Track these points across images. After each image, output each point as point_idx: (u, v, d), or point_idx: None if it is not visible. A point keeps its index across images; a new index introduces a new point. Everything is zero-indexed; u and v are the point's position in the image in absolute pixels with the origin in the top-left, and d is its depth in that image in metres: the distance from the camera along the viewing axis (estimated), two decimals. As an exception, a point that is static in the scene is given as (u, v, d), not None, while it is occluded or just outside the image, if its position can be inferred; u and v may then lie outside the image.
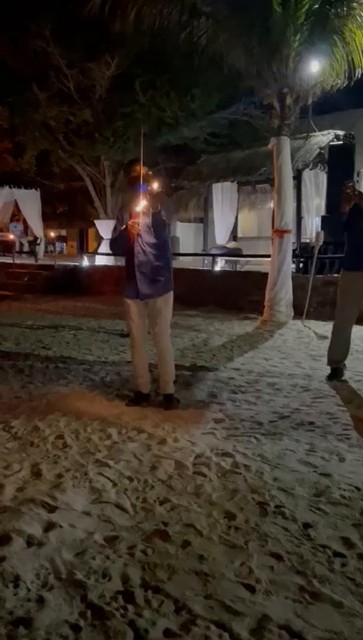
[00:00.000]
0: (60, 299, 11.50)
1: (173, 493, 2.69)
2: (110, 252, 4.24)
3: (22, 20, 13.84)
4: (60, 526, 2.37)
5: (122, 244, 3.94)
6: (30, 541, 2.25)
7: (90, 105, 15.03)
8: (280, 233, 8.51)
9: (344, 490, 2.73)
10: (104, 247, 16.63)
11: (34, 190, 18.45)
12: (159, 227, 3.87)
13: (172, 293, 4.04)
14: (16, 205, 18.96)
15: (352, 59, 8.02)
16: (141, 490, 2.72)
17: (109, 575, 2.02)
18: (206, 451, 3.21)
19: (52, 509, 2.52)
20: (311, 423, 3.74)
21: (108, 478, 2.84)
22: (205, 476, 2.89)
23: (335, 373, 4.94)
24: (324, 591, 1.95)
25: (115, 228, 4.06)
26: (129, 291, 3.99)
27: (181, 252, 14.73)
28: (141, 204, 3.70)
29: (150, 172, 3.87)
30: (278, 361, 5.74)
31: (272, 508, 2.54)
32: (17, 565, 2.08)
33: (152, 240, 3.86)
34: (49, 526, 2.37)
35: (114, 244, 4.09)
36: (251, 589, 1.96)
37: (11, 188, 17.93)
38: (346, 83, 8.40)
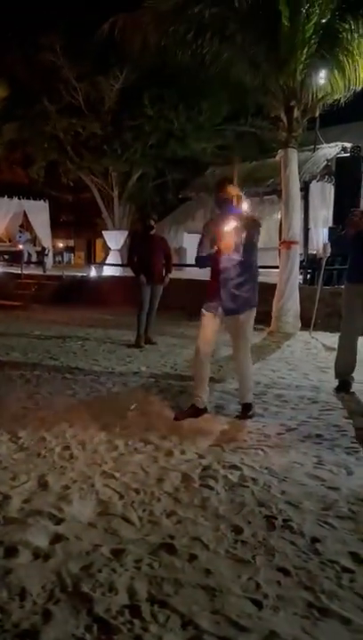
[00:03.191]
0: (67, 309, 11.55)
1: (179, 506, 2.67)
2: (196, 265, 4.32)
3: (33, 34, 14.08)
4: (67, 538, 2.36)
5: (208, 261, 4.07)
6: (37, 553, 2.24)
7: (98, 117, 15.21)
8: (288, 244, 8.52)
9: (353, 504, 2.71)
10: (112, 258, 16.73)
11: (42, 201, 18.63)
12: (248, 247, 3.93)
13: (254, 310, 4.09)
14: (25, 216, 19.12)
15: (360, 72, 8.07)
16: (148, 502, 2.71)
17: (116, 589, 2.01)
18: (213, 463, 3.20)
19: (58, 521, 2.51)
20: (319, 436, 3.72)
21: (115, 490, 2.83)
22: (211, 488, 2.87)
23: (343, 385, 4.91)
24: (332, 607, 1.93)
25: (201, 243, 4.14)
26: (210, 305, 4.04)
27: (189, 262, 14.76)
28: (232, 225, 3.82)
29: (241, 194, 4.02)
30: (285, 372, 5.72)
31: (280, 521, 2.52)
32: (23, 578, 2.07)
33: (240, 258, 3.93)
34: (55, 538, 2.36)
35: (201, 260, 4.17)
36: (258, 605, 1.94)
37: (20, 199, 18.11)
38: (353, 96, 8.44)
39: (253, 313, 4.08)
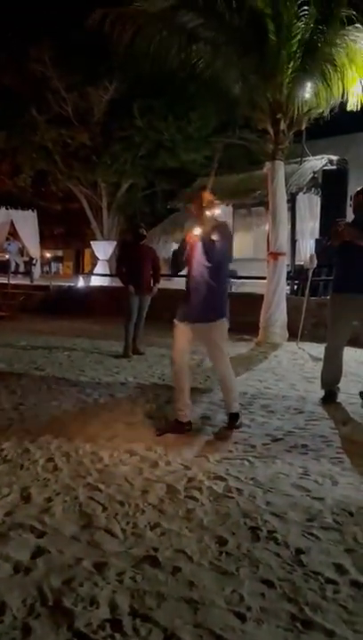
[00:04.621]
0: (54, 319, 11.49)
1: (163, 518, 2.65)
2: (171, 267, 4.28)
3: (23, 44, 14.14)
4: (49, 552, 2.33)
5: (180, 263, 4.01)
6: (17, 567, 2.21)
7: (88, 128, 15.27)
8: (275, 255, 8.58)
9: (337, 514, 2.70)
10: (100, 268, 16.71)
11: (30, 211, 18.59)
12: (218, 254, 3.89)
13: (225, 320, 4.00)
14: (12, 226, 19.07)
15: (344, 85, 8.19)
16: (132, 514, 2.68)
17: (97, 602, 1.99)
18: (199, 474, 3.18)
19: (40, 534, 2.48)
20: (305, 446, 3.72)
21: (99, 502, 2.81)
22: (196, 500, 2.85)
23: (329, 396, 4.93)
24: (316, 619, 1.92)
25: (180, 251, 4.08)
26: (181, 313, 4.01)
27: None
28: (199, 229, 3.83)
29: (213, 201, 4.00)
30: (272, 383, 5.73)
31: (264, 533, 2.51)
32: (3, 592, 2.04)
33: (208, 264, 3.89)
34: (37, 552, 2.33)
35: (173, 261, 4.13)
36: (242, 617, 1.92)
37: (7, 208, 18.06)
38: (338, 109, 8.56)
39: (224, 323, 4.01)
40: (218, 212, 4.09)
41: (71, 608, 1.95)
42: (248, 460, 3.42)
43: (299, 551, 2.36)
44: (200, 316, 3.94)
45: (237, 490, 2.98)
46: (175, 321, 4.04)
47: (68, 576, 2.15)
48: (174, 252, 4.10)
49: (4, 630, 1.83)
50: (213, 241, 3.86)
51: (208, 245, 3.88)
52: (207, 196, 3.98)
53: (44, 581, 2.11)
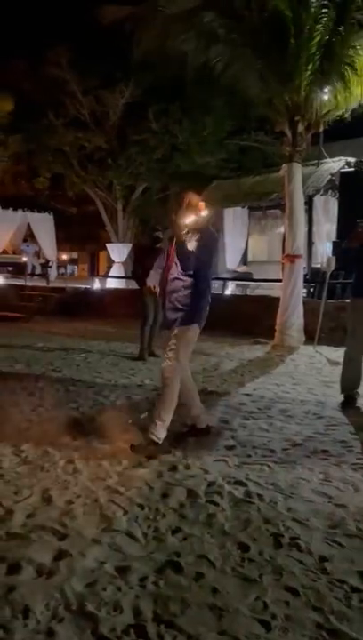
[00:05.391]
0: (70, 321, 11.55)
1: (184, 523, 2.63)
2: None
3: (40, 48, 14.27)
4: (71, 555, 2.32)
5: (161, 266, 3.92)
6: (40, 570, 2.21)
7: (103, 131, 15.34)
8: (292, 258, 8.53)
9: (360, 522, 2.67)
10: (115, 270, 16.77)
11: (47, 214, 18.72)
12: (187, 258, 3.63)
13: (191, 328, 3.66)
14: (29, 229, 19.23)
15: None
16: (153, 518, 2.67)
17: (121, 607, 1.98)
18: (218, 479, 3.16)
19: (62, 537, 2.48)
20: (325, 451, 3.68)
21: (119, 505, 2.80)
22: (217, 504, 2.83)
23: (349, 401, 4.88)
24: (341, 628, 1.89)
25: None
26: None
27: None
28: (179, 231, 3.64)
29: (198, 204, 3.72)
30: (289, 387, 5.69)
31: (287, 539, 2.49)
32: (27, 595, 2.04)
33: (180, 270, 3.68)
34: (59, 555, 2.32)
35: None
36: (266, 625, 1.90)
37: (24, 211, 18.22)
38: (357, 111, 8.51)
39: (188, 330, 3.64)
40: (204, 214, 3.72)
41: (95, 612, 1.94)
42: (268, 465, 3.39)
43: (322, 558, 2.33)
44: (168, 322, 3.74)
45: (258, 495, 2.95)
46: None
47: (90, 580, 2.14)
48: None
49: (29, 635, 1.83)
50: (187, 245, 3.59)
51: (182, 250, 3.63)
52: (190, 197, 3.72)
53: (67, 585, 2.10)
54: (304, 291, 9.42)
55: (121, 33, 7.94)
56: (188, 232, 3.64)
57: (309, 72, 7.87)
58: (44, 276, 17.53)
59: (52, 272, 18.53)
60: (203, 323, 3.75)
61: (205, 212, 3.76)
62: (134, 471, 3.26)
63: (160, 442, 3.57)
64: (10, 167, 17.80)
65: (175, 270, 3.70)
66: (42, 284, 16.08)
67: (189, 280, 3.65)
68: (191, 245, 3.61)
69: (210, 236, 3.80)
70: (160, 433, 3.57)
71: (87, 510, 2.74)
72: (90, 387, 5.53)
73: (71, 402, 4.93)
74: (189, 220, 3.65)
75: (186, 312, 3.66)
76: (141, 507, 2.79)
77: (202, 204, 3.78)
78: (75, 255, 30.88)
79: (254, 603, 2.02)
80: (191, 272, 3.65)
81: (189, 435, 3.89)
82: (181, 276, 3.66)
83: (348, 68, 7.97)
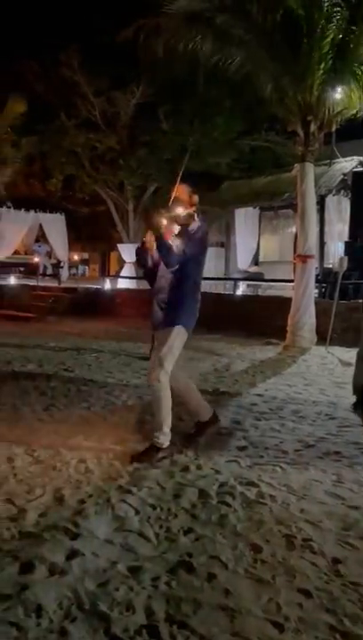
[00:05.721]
0: (82, 321, 11.59)
1: (197, 523, 2.63)
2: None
3: (53, 51, 14.34)
4: (83, 554, 2.33)
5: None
6: (53, 570, 2.21)
7: (115, 132, 15.38)
8: (304, 258, 8.49)
9: (374, 524, 2.64)
10: (126, 270, 16.81)
11: (59, 214, 18.81)
12: (186, 256, 3.41)
13: (177, 330, 3.45)
14: (41, 229, 19.33)
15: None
16: (165, 518, 2.67)
17: (133, 607, 1.98)
18: (230, 479, 3.15)
19: (74, 536, 2.48)
20: (338, 453, 3.65)
21: (131, 505, 2.80)
22: (229, 505, 2.82)
23: (361, 402, 4.84)
24: (356, 631, 1.88)
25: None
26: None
27: (206, 275, 14.79)
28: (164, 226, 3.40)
29: (185, 197, 3.52)
30: (301, 387, 5.66)
31: (300, 541, 2.47)
32: (39, 594, 2.04)
33: (165, 268, 3.48)
34: (72, 554, 2.33)
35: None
36: (279, 627, 1.89)
37: (36, 212, 18.32)
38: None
39: (171, 332, 3.43)
40: (191, 210, 3.47)
41: (107, 612, 1.94)
42: (280, 467, 3.37)
43: (336, 561, 2.32)
44: (155, 323, 3.56)
45: (270, 496, 2.94)
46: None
47: (103, 579, 2.15)
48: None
49: (42, 634, 1.84)
50: (170, 240, 3.37)
51: (173, 246, 3.38)
52: (178, 191, 3.50)
53: (80, 584, 2.11)
54: (316, 291, 9.37)
55: (133, 38, 8.00)
56: (169, 228, 3.38)
57: (321, 71, 7.82)
58: (56, 276, 17.61)
59: (64, 272, 18.61)
60: (191, 324, 3.54)
61: (194, 206, 3.53)
62: (146, 471, 3.26)
63: (163, 447, 3.48)
64: (22, 168, 17.90)
65: (162, 268, 3.52)
66: (53, 284, 16.17)
67: (173, 278, 3.46)
68: (175, 240, 3.39)
69: (197, 230, 3.44)
70: (163, 440, 3.48)
71: (99, 510, 2.75)
72: (101, 387, 5.54)
73: (83, 401, 4.95)
74: (175, 213, 3.42)
75: (169, 312, 3.47)
76: (153, 507, 2.79)
77: (195, 197, 3.56)
78: (86, 255, 30.99)
79: (267, 604, 2.01)
80: (174, 269, 3.43)
81: (197, 434, 3.81)
82: (166, 274, 3.48)
83: (361, 66, 7.92)
